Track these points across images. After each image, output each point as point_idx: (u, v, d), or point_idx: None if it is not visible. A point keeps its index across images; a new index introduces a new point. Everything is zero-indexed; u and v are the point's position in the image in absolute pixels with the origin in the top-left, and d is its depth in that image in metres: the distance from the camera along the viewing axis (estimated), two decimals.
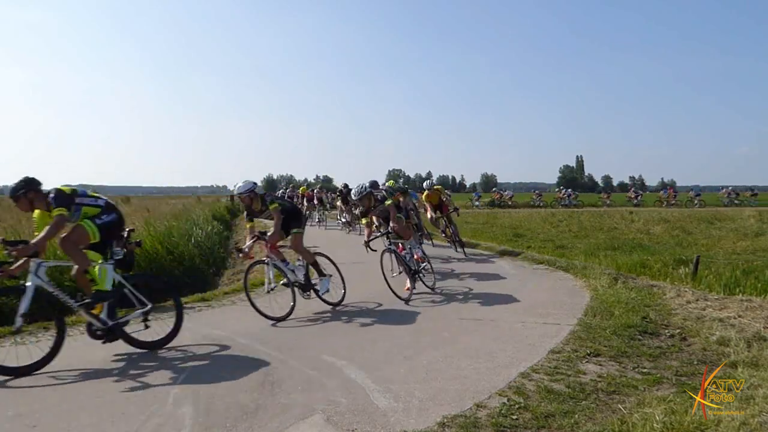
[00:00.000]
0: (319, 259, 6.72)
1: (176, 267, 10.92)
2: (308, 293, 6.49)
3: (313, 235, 14.01)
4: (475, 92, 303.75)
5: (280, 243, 6.48)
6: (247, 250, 6.18)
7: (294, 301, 6.09)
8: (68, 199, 4.74)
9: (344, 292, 6.72)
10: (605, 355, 4.51)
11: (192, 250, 12.15)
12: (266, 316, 5.89)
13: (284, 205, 6.51)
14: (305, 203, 21.03)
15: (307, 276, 6.47)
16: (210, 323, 5.89)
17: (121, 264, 7.95)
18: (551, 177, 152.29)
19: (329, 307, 6.53)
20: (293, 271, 6.40)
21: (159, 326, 5.12)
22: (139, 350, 4.92)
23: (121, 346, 5.08)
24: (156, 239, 11.37)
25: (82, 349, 4.96)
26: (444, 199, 11.69)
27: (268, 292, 6.22)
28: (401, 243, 7.47)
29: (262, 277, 6.93)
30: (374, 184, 8.62)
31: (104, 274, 4.82)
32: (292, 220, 6.46)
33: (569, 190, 42.22)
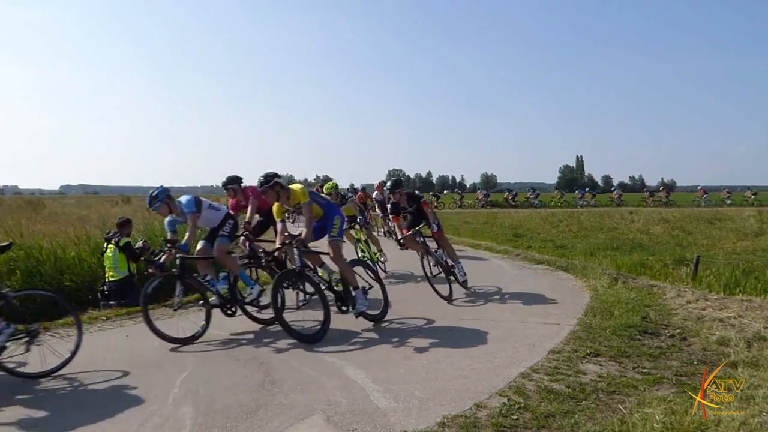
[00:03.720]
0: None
1: (176, 266, 10.91)
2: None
3: None
4: (475, 92, 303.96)
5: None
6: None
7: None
8: None
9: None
10: (605, 355, 4.51)
11: (193, 249, 12.14)
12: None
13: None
14: None
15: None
16: (210, 323, 5.88)
17: (131, 254, 7.94)
18: (551, 177, 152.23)
19: None
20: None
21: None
22: (139, 350, 4.92)
23: (121, 347, 5.09)
24: (154, 240, 11.36)
25: (81, 349, 4.96)
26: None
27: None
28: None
29: None
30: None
31: None
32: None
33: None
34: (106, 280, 7.52)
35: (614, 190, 43.53)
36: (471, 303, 6.69)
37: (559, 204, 35.69)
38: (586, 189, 40.13)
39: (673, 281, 7.86)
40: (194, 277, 5.71)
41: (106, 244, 7.74)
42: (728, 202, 35.57)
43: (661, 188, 41.63)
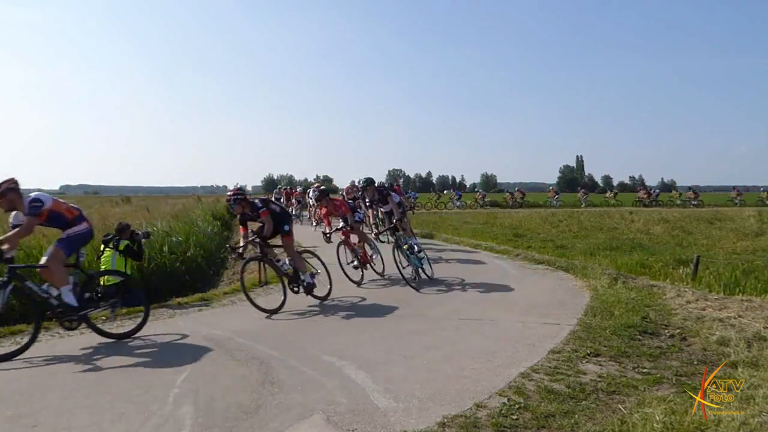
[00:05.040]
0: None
1: (178, 266, 10.98)
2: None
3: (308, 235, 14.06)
4: (475, 92, 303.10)
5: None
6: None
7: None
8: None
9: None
10: (605, 355, 4.51)
11: (194, 249, 12.19)
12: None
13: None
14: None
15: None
16: (210, 323, 5.90)
17: (132, 254, 7.99)
18: (551, 177, 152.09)
19: (328, 309, 6.54)
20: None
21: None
22: (139, 350, 4.93)
23: (122, 347, 5.09)
24: (157, 239, 11.39)
25: (81, 349, 4.97)
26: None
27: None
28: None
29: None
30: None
31: None
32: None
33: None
34: (101, 283, 7.50)
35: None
36: (471, 303, 6.69)
37: (435, 205, 34.31)
38: (456, 191, 40.39)
39: (673, 281, 7.87)
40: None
41: (103, 247, 7.72)
42: (612, 202, 37.25)
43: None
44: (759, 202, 36.94)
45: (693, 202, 36.72)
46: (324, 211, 8.71)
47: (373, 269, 8.62)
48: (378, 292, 7.54)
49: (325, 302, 6.86)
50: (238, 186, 6.65)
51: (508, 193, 39.64)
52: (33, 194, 5.09)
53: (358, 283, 7.92)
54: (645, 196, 38.39)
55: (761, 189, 44.16)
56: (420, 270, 8.01)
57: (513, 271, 9.10)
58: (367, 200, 9.41)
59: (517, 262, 10.21)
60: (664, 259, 9.77)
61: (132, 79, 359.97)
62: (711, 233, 15.35)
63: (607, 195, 41.67)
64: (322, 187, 9.33)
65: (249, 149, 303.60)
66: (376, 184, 9.58)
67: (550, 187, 46.75)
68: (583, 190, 41.85)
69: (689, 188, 42.95)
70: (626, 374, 4.10)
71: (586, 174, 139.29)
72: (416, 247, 8.15)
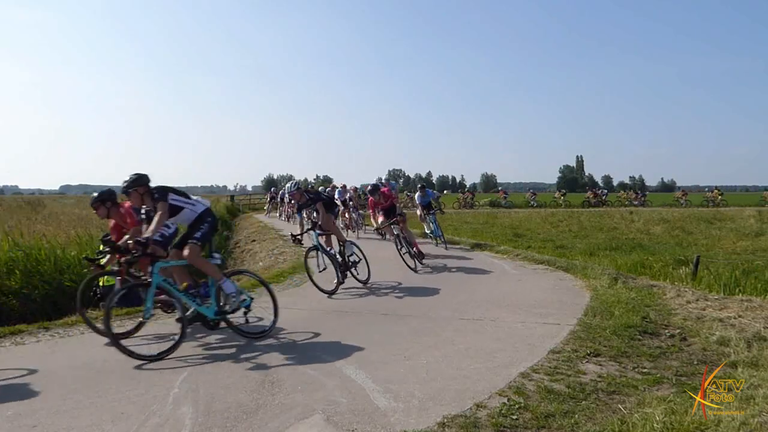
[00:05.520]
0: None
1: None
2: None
3: None
4: (475, 92, 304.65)
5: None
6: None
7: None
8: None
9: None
10: (605, 355, 4.51)
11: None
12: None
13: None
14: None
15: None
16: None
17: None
18: (551, 177, 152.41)
19: (328, 308, 6.54)
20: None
21: None
22: (139, 350, 4.93)
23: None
24: None
25: (81, 349, 4.97)
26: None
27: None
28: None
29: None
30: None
31: None
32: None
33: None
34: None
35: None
36: (471, 303, 6.68)
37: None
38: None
39: (673, 281, 7.86)
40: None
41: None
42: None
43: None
44: (704, 202, 37.08)
45: (634, 203, 37.63)
46: (112, 223, 6.47)
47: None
48: (379, 292, 7.53)
49: (330, 298, 7.08)
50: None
51: (460, 194, 41.71)
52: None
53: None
54: (592, 195, 40.20)
55: (706, 189, 44.20)
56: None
57: (513, 271, 9.10)
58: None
59: (517, 262, 10.20)
60: (664, 259, 9.77)
61: (132, 79, 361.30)
62: (711, 233, 15.35)
63: (556, 195, 41.99)
64: (115, 186, 6.55)
65: (249, 149, 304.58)
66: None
67: (499, 189, 49.66)
68: (531, 191, 42.70)
69: (630, 188, 43.65)
70: (626, 374, 4.10)
71: (586, 174, 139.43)
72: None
